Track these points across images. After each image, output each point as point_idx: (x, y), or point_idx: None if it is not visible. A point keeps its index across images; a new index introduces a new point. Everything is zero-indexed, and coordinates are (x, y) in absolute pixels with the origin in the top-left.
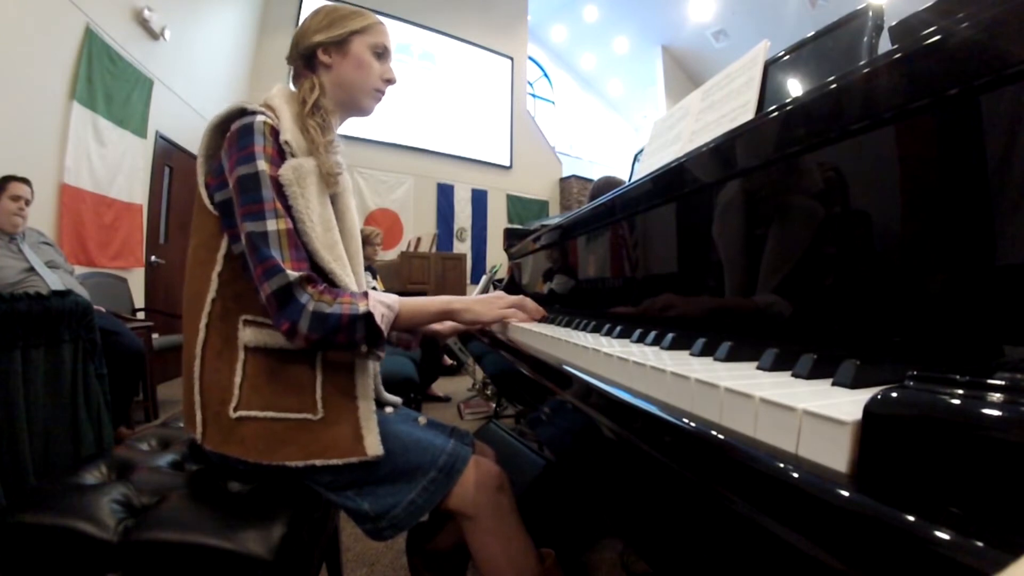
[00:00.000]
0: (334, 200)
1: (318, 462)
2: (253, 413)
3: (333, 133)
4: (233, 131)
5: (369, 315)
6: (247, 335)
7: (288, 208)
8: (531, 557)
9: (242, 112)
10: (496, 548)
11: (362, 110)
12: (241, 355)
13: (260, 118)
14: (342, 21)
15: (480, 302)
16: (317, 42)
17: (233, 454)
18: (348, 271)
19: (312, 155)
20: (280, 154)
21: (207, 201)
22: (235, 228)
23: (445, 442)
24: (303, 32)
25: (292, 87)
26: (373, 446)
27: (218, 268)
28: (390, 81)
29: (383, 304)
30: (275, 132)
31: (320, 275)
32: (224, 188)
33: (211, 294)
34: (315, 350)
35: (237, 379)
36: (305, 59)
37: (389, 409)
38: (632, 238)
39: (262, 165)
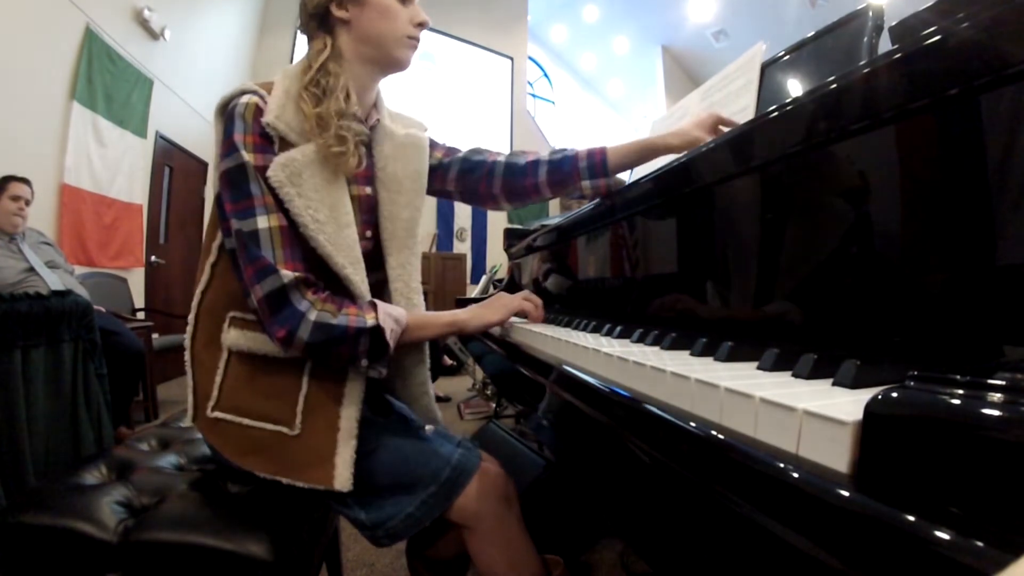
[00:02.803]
0: (367, 175)
1: (284, 480)
2: (229, 417)
3: (338, 102)
4: (224, 119)
5: (377, 329)
6: (231, 337)
7: (285, 212)
8: (535, 563)
9: (239, 94)
10: (499, 557)
11: (398, 63)
12: (224, 355)
13: (244, 99)
14: None
15: (484, 306)
16: None
17: (214, 445)
18: (363, 275)
19: (310, 137)
20: (265, 139)
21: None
22: (228, 222)
23: (451, 452)
24: None
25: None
26: (342, 480)
27: (212, 258)
28: (423, 24)
29: (391, 318)
30: (258, 113)
31: (332, 279)
32: None
33: (202, 285)
34: (311, 359)
35: (218, 379)
36: (318, 19)
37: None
38: (632, 238)
39: (245, 156)
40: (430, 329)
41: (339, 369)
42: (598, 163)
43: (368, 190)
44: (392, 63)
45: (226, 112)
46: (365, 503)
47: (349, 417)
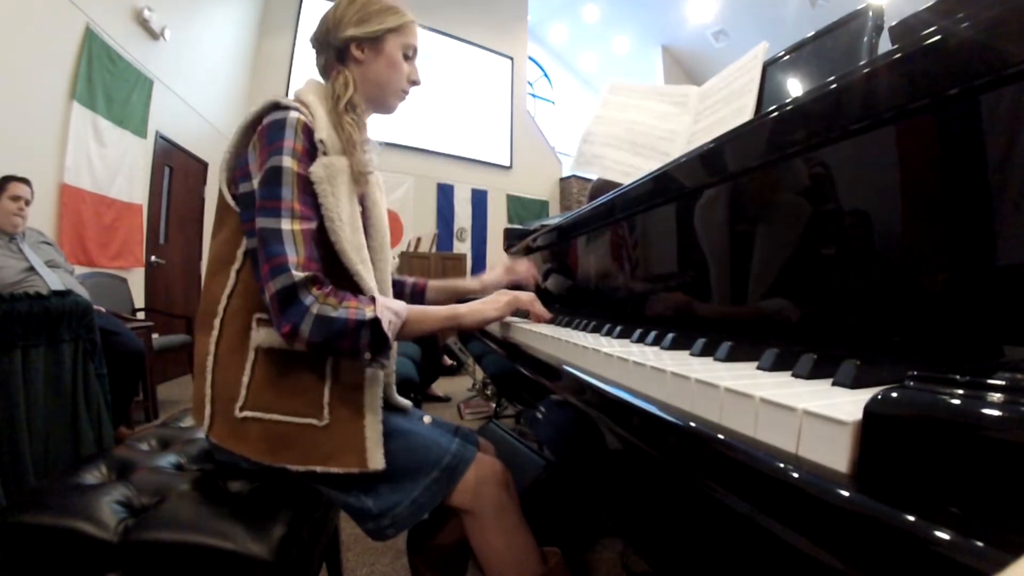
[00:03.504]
0: (362, 196)
1: (318, 469)
2: (258, 414)
3: (366, 131)
4: (265, 125)
5: (376, 321)
6: (260, 335)
7: (315, 208)
8: (534, 553)
9: (275, 106)
10: (498, 544)
11: (387, 108)
12: (251, 355)
13: (294, 114)
14: (378, 16)
15: (482, 302)
16: (351, 36)
17: (237, 451)
18: (372, 274)
19: (345, 154)
20: (311, 153)
21: (229, 198)
22: (251, 222)
23: (450, 441)
24: (336, 22)
25: (317, 79)
26: (375, 460)
27: (236, 265)
28: (415, 83)
29: (390, 310)
30: (308, 130)
31: (344, 277)
32: (247, 180)
33: (228, 290)
34: (317, 355)
35: (245, 379)
36: (337, 52)
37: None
38: (632, 238)
39: (287, 162)
40: (429, 322)
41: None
42: (419, 292)
43: (360, 208)
44: (384, 108)
45: (271, 122)
46: (371, 491)
47: (372, 403)
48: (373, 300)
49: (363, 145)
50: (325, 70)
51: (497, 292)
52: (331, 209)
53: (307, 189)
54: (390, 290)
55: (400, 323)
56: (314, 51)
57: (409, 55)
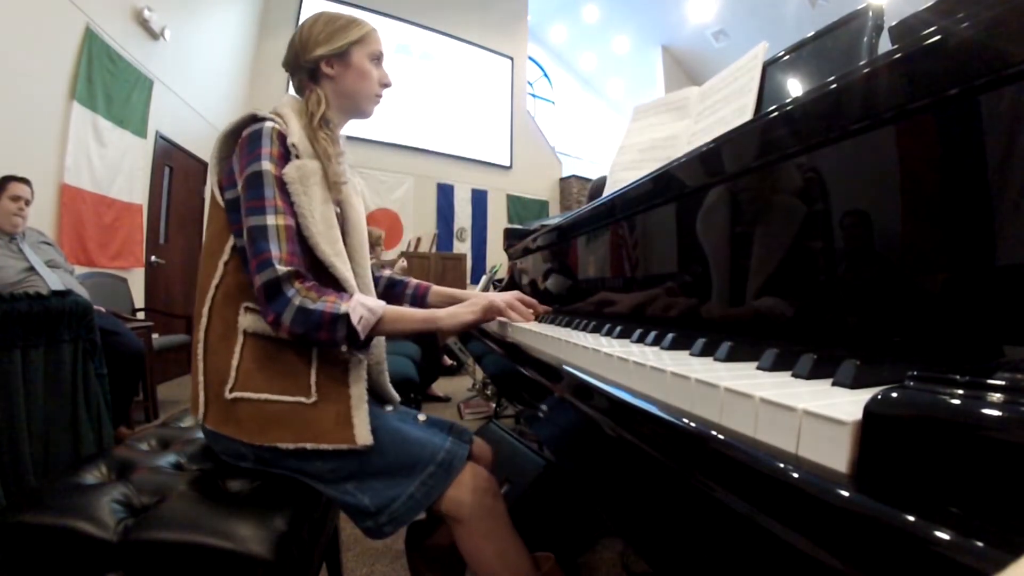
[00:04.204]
0: (338, 200)
1: (308, 446)
2: (248, 395)
3: (340, 145)
4: (244, 136)
5: (347, 315)
6: (247, 320)
7: (291, 205)
8: (527, 560)
9: (253, 119)
10: (489, 551)
11: (363, 114)
12: (240, 339)
13: (269, 124)
14: (342, 32)
15: (462, 305)
16: (320, 55)
17: (229, 434)
18: (348, 266)
19: (317, 159)
20: (286, 156)
21: (219, 198)
22: (240, 224)
23: (444, 439)
24: (304, 45)
25: (295, 95)
26: (362, 436)
27: (224, 257)
28: (387, 85)
29: (364, 307)
30: (282, 136)
31: (321, 268)
32: (233, 188)
33: (215, 280)
34: (298, 342)
35: (235, 362)
36: (308, 72)
37: (388, 408)
38: (632, 238)
39: (266, 165)
40: (406, 323)
41: None
42: (419, 295)
43: (337, 210)
44: (360, 114)
45: (249, 133)
46: (367, 487)
47: (357, 384)
48: (351, 297)
49: (337, 157)
50: (300, 90)
51: (483, 295)
52: (303, 206)
53: (284, 188)
54: (370, 286)
55: (375, 320)
56: (288, 74)
57: (377, 59)
